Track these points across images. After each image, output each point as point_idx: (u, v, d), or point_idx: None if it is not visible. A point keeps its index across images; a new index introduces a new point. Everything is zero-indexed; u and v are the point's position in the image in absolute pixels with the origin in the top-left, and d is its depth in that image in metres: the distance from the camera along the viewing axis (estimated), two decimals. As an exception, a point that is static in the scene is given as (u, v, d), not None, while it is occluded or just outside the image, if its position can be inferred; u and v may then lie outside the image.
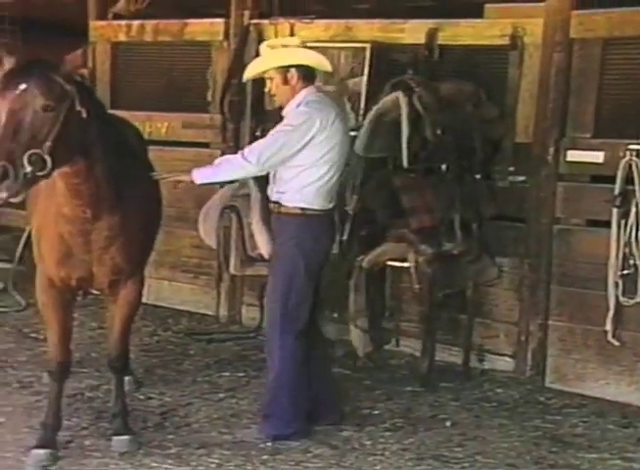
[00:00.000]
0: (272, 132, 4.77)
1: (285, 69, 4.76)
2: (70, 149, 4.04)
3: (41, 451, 4.49)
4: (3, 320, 6.68)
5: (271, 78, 4.83)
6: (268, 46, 4.93)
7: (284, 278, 4.85)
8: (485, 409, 5.48)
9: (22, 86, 3.92)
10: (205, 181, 4.76)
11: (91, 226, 4.28)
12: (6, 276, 7.00)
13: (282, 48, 4.86)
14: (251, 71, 4.96)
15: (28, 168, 3.82)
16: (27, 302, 6.60)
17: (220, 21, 7.07)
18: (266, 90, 4.99)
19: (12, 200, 3.90)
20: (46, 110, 3.92)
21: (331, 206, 4.90)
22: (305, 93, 4.77)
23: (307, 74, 4.80)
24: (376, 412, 5.39)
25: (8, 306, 6.82)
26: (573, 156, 5.74)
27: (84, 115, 4.05)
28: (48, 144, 3.90)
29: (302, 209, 4.76)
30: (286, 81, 4.76)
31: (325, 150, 4.71)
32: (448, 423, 5.25)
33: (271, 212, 4.96)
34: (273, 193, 4.90)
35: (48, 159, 3.89)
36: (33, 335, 6.19)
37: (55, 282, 4.48)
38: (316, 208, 4.78)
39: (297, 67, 4.76)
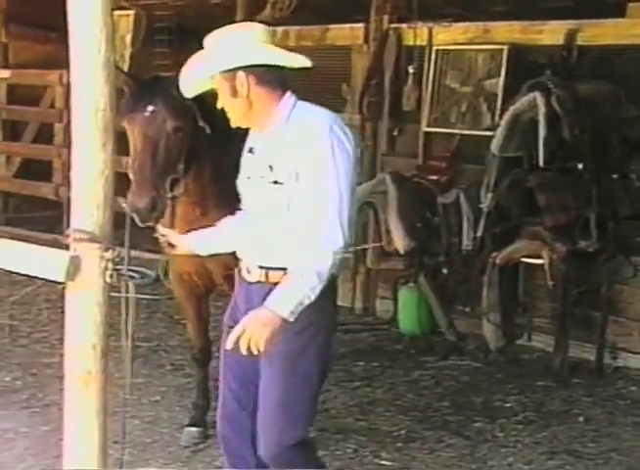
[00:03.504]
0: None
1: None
2: (197, 164, 3.97)
3: (193, 429, 4.63)
4: (156, 307, 6.84)
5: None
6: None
7: (303, 392, 3.15)
8: (619, 407, 5.29)
9: (151, 108, 3.80)
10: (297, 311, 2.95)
11: (200, 223, 4.00)
12: (157, 266, 7.17)
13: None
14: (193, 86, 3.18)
15: (169, 194, 3.80)
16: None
17: (360, 25, 7.06)
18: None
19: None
20: (176, 132, 3.82)
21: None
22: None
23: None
24: (507, 405, 5.27)
25: (160, 295, 6.99)
26: None
27: (208, 130, 3.94)
28: (181, 166, 3.86)
29: None
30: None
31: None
32: (581, 418, 5.09)
33: (243, 283, 3.23)
34: (254, 256, 3.18)
35: (183, 181, 3.88)
36: (183, 321, 6.31)
37: (183, 276, 4.51)
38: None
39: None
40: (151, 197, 3.69)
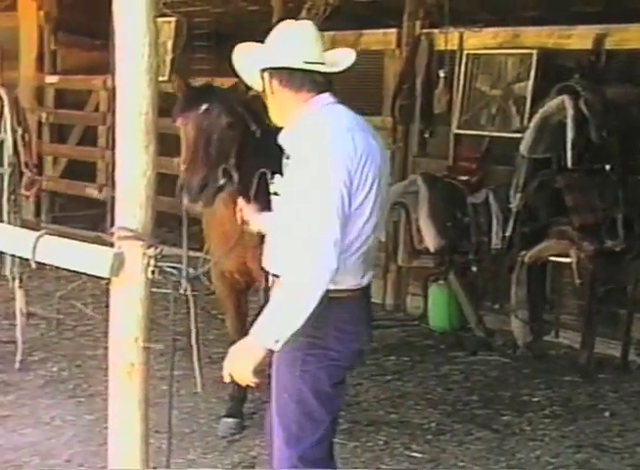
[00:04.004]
0: None
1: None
2: (248, 163, 3.97)
3: (230, 420, 4.64)
4: (194, 303, 6.85)
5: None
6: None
7: (293, 409, 2.94)
8: (644, 402, 5.26)
9: (205, 106, 3.92)
10: (285, 339, 2.75)
11: (245, 226, 4.02)
12: (196, 264, 7.20)
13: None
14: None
15: (221, 181, 3.86)
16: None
17: (393, 31, 7.03)
18: None
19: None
20: (230, 127, 3.93)
21: (364, 281, 3.00)
22: None
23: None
24: (535, 399, 5.24)
25: (198, 291, 7.00)
26: None
27: (258, 134, 4.01)
28: (232, 160, 3.92)
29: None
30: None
31: None
32: (607, 413, 5.04)
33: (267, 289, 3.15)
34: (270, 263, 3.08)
35: (235, 174, 3.91)
36: (220, 316, 6.34)
37: (224, 274, 4.54)
38: (344, 286, 2.91)
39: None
40: (202, 176, 3.80)
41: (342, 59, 3.02)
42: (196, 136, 3.89)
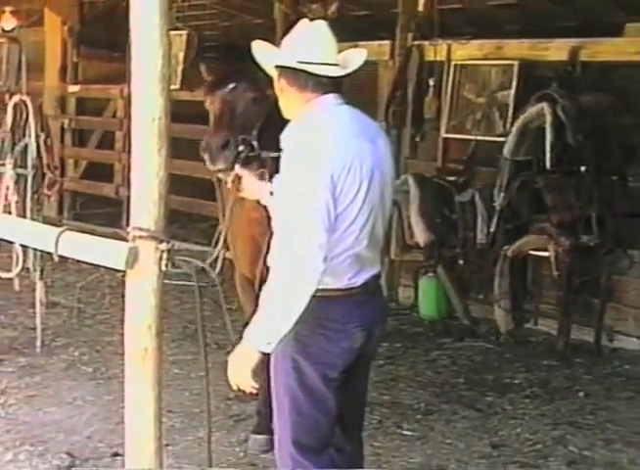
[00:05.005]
0: None
1: None
2: (272, 138, 3.64)
3: (260, 437, 4.15)
4: (203, 293, 6.84)
5: None
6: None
7: (284, 403, 2.87)
8: (615, 383, 5.24)
9: (232, 85, 3.85)
10: (277, 341, 2.67)
11: (240, 192, 3.65)
12: (205, 258, 7.19)
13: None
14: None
15: (241, 148, 3.71)
16: (223, 278, 6.75)
17: (387, 42, 7.01)
18: None
19: (221, 175, 3.76)
20: (254, 101, 3.83)
21: (356, 281, 2.82)
22: None
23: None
24: (516, 382, 5.24)
25: (207, 283, 6.99)
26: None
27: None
28: (255, 132, 3.77)
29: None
30: None
31: None
32: (581, 394, 5.05)
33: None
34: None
35: (255, 143, 3.75)
36: (228, 306, 6.34)
37: (251, 279, 4.12)
38: (332, 286, 2.77)
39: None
40: (224, 136, 3.70)
41: (353, 59, 2.86)
42: (222, 108, 3.81)
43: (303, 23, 2.91)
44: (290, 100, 2.84)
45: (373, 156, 2.77)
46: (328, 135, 2.73)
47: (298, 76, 2.79)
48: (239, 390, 2.79)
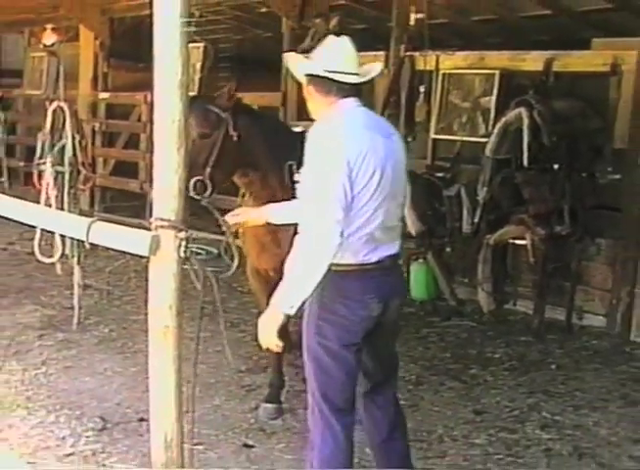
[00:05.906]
0: None
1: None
2: (226, 171, 3.63)
3: (269, 406, 4.19)
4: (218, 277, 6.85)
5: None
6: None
7: (311, 366, 2.95)
8: (583, 356, 5.26)
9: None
10: (298, 304, 2.80)
11: (277, 226, 3.58)
12: (219, 245, 7.19)
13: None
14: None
15: (192, 193, 3.42)
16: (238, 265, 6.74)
17: (382, 53, 6.97)
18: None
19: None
20: (203, 137, 3.59)
21: (370, 258, 2.90)
22: None
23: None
24: (496, 356, 5.25)
25: (221, 268, 6.99)
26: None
27: (235, 138, 3.64)
28: (208, 170, 3.58)
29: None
30: None
31: None
32: (554, 366, 5.07)
33: None
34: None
35: (209, 184, 3.58)
36: (240, 289, 6.35)
37: (259, 270, 4.17)
38: (349, 261, 2.87)
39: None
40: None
41: (371, 70, 3.00)
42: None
43: (331, 38, 3.00)
44: (316, 103, 2.97)
45: (386, 148, 2.88)
46: (346, 129, 2.86)
47: (324, 83, 2.91)
48: (267, 349, 2.90)
